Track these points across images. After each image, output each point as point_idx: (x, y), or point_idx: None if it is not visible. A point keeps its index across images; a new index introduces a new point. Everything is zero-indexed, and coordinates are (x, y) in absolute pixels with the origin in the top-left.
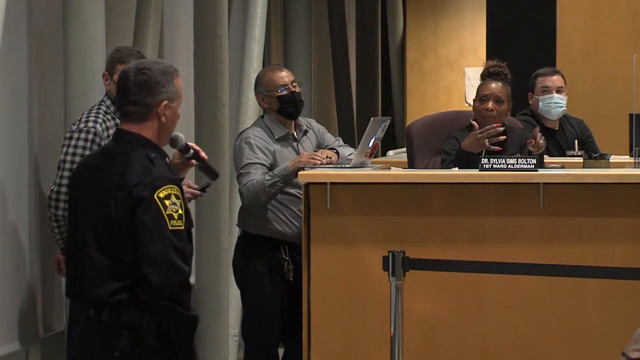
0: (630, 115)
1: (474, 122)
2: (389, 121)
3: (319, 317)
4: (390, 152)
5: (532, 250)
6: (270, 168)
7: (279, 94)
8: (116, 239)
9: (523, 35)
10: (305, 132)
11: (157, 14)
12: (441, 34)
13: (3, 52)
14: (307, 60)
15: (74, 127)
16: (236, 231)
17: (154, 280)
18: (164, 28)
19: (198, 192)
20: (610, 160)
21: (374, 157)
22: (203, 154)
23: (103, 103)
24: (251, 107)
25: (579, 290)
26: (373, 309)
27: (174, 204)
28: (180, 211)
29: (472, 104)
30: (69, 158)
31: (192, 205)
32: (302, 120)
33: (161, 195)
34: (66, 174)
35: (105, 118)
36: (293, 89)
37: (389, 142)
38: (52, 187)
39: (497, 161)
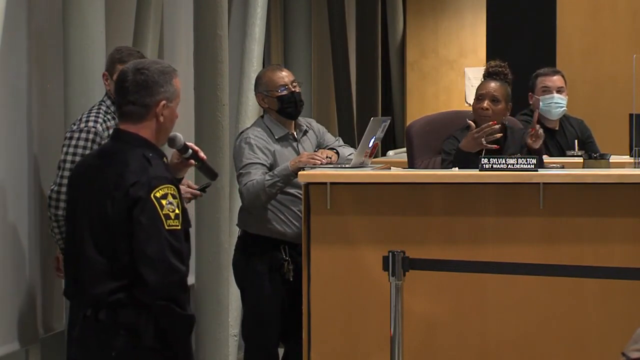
0: (630, 115)
1: (470, 122)
2: (389, 121)
3: (319, 317)
4: (390, 152)
5: (532, 250)
6: (270, 168)
7: (279, 94)
8: (113, 239)
9: (523, 35)
10: (305, 132)
11: (157, 14)
12: (441, 34)
13: (3, 52)
14: (307, 60)
15: (74, 127)
16: (236, 231)
17: (150, 280)
18: (164, 28)
19: (198, 192)
20: (610, 160)
21: (374, 157)
22: (202, 154)
23: (103, 103)
24: (251, 107)
25: (579, 290)
26: (373, 309)
27: (170, 203)
28: (177, 211)
29: (472, 104)
30: (69, 158)
31: (192, 205)
32: (302, 120)
33: (158, 195)
34: (66, 173)
35: (105, 118)
36: (293, 89)
37: (389, 142)
38: (52, 187)
39: (497, 161)
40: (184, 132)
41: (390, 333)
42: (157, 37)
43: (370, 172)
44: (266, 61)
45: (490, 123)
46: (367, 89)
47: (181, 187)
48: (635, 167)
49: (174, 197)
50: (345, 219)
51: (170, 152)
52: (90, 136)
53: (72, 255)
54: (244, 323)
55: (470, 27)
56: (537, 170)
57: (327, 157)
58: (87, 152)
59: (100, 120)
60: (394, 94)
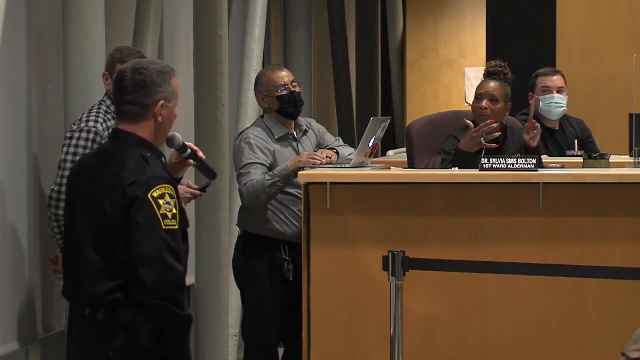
0: (630, 115)
1: (469, 122)
2: (389, 121)
3: (319, 317)
4: (390, 152)
5: (532, 250)
6: (270, 168)
7: (279, 94)
8: (111, 239)
9: (523, 35)
10: (305, 132)
11: (157, 14)
12: (441, 34)
13: (3, 52)
14: (307, 60)
15: (75, 127)
16: (236, 231)
17: (147, 280)
18: (164, 28)
19: (198, 192)
20: (610, 160)
21: (374, 157)
22: (201, 154)
23: (103, 103)
24: (251, 107)
25: (579, 290)
26: (373, 309)
27: (168, 203)
28: (174, 211)
29: (471, 104)
30: (69, 158)
31: (192, 205)
32: (302, 120)
33: (155, 194)
34: (67, 173)
35: (105, 118)
36: (293, 89)
37: (389, 142)
38: (52, 187)
39: (497, 161)
40: (184, 132)
41: (390, 333)
42: (157, 37)
43: (370, 172)
44: (266, 61)
45: (488, 122)
46: (367, 89)
47: (181, 187)
48: (635, 167)
49: (171, 197)
50: (345, 219)
51: (169, 152)
52: (91, 136)
53: (70, 254)
54: (244, 323)
55: (470, 27)
56: (537, 170)
57: (327, 157)
58: (88, 151)
59: (100, 120)
60: (394, 94)
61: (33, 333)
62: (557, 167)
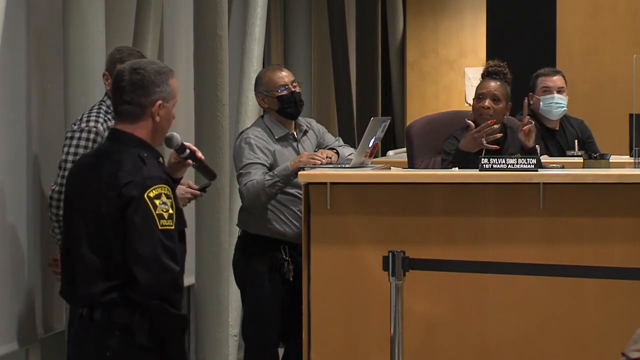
0: (630, 115)
1: (469, 122)
2: (389, 121)
3: (319, 317)
4: (390, 152)
5: (532, 250)
6: (270, 168)
7: (279, 94)
8: (107, 238)
9: (523, 35)
10: (305, 132)
11: (157, 14)
12: (441, 34)
13: (3, 52)
14: (307, 60)
15: (75, 127)
16: (236, 231)
17: (143, 280)
18: (164, 28)
19: (198, 192)
20: (610, 160)
21: (374, 157)
22: (199, 154)
23: (103, 103)
24: (251, 107)
25: (579, 290)
26: (373, 309)
27: (164, 203)
28: (170, 211)
29: (472, 103)
30: (70, 158)
31: (192, 205)
32: (302, 120)
33: (151, 194)
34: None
35: (105, 118)
36: (293, 89)
37: (389, 142)
38: (53, 187)
39: (497, 161)
40: (184, 132)
41: (390, 333)
42: (157, 37)
43: (370, 172)
44: (266, 61)
45: (489, 122)
46: (367, 89)
47: (181, 187)
48: (635, 167)
49: (167, 197)
50: (345, 219)
51: (168, 153)
52: (92, 136)
53: (68, 254)
54: (244, 323)
55: (470, 27)
56: (537, 170)
57: (327, 157)
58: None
59: (100, 119)
60: (394, 94)
61: (33, 333)
62: (557, 167)
